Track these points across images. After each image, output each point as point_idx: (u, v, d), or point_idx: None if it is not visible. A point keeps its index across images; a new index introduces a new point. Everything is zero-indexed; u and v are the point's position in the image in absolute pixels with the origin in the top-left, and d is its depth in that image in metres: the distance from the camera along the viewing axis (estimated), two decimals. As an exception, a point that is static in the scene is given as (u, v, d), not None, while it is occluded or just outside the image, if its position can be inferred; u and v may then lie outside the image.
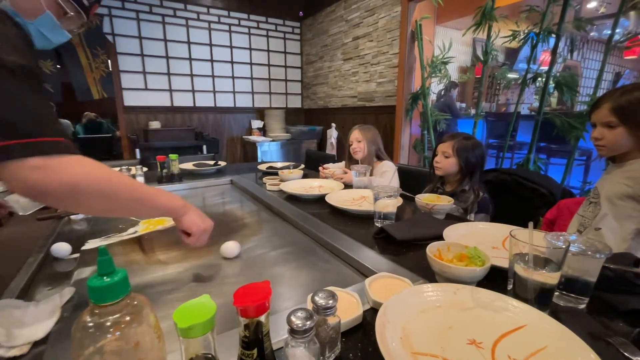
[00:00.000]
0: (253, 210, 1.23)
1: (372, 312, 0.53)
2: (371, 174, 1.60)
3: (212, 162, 1.97)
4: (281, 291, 0.66)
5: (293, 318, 0.35)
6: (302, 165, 1.88)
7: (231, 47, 3.79)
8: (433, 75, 2.71)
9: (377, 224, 0.96)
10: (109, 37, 3.16)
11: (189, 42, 3.54)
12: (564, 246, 0.50)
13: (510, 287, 0.55)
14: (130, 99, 3.35)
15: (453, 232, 0.82)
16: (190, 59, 3.57)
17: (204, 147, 3.43)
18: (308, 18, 4.03)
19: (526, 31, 2.17)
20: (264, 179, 1.59)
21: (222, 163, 1.93)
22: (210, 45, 3.66)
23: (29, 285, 0.67)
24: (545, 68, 2.17)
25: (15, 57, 0.48)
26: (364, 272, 0.71)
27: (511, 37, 2.24)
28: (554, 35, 2.07)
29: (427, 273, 0.66)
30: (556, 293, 0.56)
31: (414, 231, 0.85)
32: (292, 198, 1.28)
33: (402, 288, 0.56)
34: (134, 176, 1.53)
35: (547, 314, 0.48)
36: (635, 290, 0.57)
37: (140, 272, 0.74)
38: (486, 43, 2.39)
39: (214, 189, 1.55)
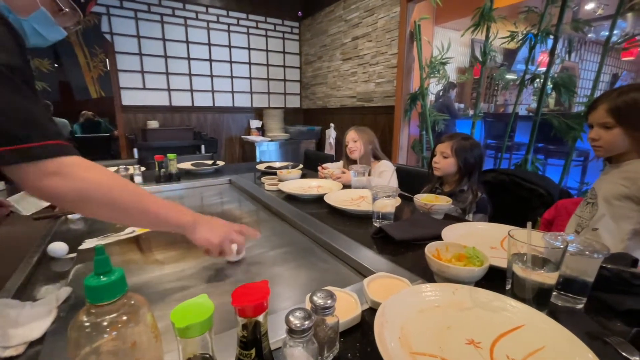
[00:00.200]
0: (251, 210, 1.23)
1: (370, 312, 0.53)
2: (369, 174, 1.60)
3: (210, 162, 1.96)
4: (279, 291, 0.66)
5: (291, 318, 0.35)
6: (301, 165, 1.88)
7: (230, 46, 3.78)
8: (432, 75, 2.72)
9: (375, 224, 0.96)
10: (107, 36, 3.15)
11: (187, 42, 3.53)
12: (562, 246, 0.50)
13: (508, 287, 0.55)
14: (129, 98, 3.34)
15: (451, 232, 0.82)
16: (188, 58, 3.56)
17: (203, 146, 3.42)
18: (307, 18, 4.03)
19: (524, 32, 2.18)
20: (262, 178, 1.59)
21: (221, 163, 1.92)
22: (209, 44, 3.66)
23: (26, 285, 0.66)
24: (543, 69, 2.18)
25: (8, 58, 0.47)
26: (363, 272, 0.71)
27: (509, 38, 2.24)
28: (552, 37, 2.07)
29: (425, 273, 0.66)
30: (554, 293, 0.56)
31: (413, 231, 0.85)
32: (291, 198, 1.27)
33: (401, 288, 0.56)
34: (132, 176, 1.53)
35: (545, 313, 0.48)
36: (632, 290, 0.57)
37: (137, 272, 0.74)
38: (484, 44, 2.39)
39: (212, 189, 1.55)
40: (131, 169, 1.55)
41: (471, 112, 3.34)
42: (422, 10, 2.73)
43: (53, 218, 1.03)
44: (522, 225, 0.57)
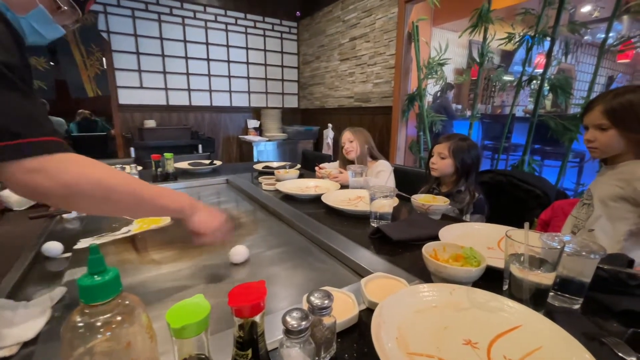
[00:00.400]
0: (249, 210, 1.22)
1: (367, 313, 0.53)
2: (366, 174, 1.60)
3: (207, 162, 1.95)
4: (276, 291, 0.66)
5: (288, 318, 0.35)
6: (299, 165, 1.87)
7: (228, 46, 3.77)
8: (429, 76, 2.73)
9: (373, 224, 0.96)
10: (104, 35, 3.13)
11: (185, 41, 3.52)
12: (559, 247, 0.50)
13: (505, 287, 0.55)
14: (126, 97, 3.32)
15: (449, 233, 0.82)
16: (186, 57, 3.55)
17: (200, 146, 3.41)
18: (305, 18, 4.03)
19: (521, 34, 2.19)
20: (259, 178, 1.58)
21: (218, 162, 1.92)
22: (207, 44, 3.65)
23: (20, 284, 0.65)
24: (540, 71, 2.19)
25: (4, 55, 0.46)
26: (360, 272, 0.70)
27: (507, 40, 2.25)
28: (548, 39, 2.08)
29: (423, 273, 0.65)
30: (551, 293, 0.56)
31: (410, 231, 0.85)
32: (288, 198, 1.27)
33: (398, 288, 0.56)
34: (128, 175, 1.51)
35: (542, 314, 0.48)
36: (628, 290, 0.57)
37: (133, 272, 0.73)
38: (482, 45, 2.40)
39: (209, 189, 1.54)
40: (128, 169, 1.54)
41: (468, 113, 3.35)
42: (420, 11, 2.74)
43: (48, 217, 1.02)
44: (519, 225, 0.57)
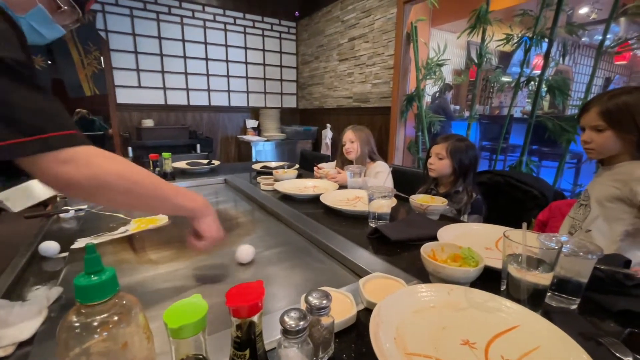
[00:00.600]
0: (247, 210, 1.22)
1: (366, 313, 0.53)
2: (365, 175, 1.60)
3: (205, 161, 1.95)
4: (274, 291, 0.66)
5: (286, 318, 0.34)
6: (297, 165, 1.87)
7: (226, 45, 3.77)
8: (428, 77, 2.73)
9: (371, 224, 0.96)
10: (102, 34, 3.12)
11: (183, 40, 3.51)
12: (556, 247, 0.50)
13: (503, 287, 0.56)
14: (123, 97, 3.31)
15: (447, 233, 0.82)
16: (184, 57, 3.54)
17: (198, 146, 3.40)
18: (304, 18, 4.03)
19: (520, 35, 2.20)
20: (258, 178, 1.58)
21: (216, 162, 1.91)
22: (205, 43, 3.64)
23: (16, 284, 0.65)
24: (538, 72, 2.20)
25: (12, 52, 0.47)
26: (358, 273, 0.70)
27: (505, 41, 2.26)
28: (546, 40, 2.09)
29: (421, 273, 0.66)
30: (548, 294, 0.56)
31: (408, 232, 0.85)
32: (287, 198, 1.27)
33: (396, 288, 0.56)
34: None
35: (539, 314, 0.48)
36: (625, 291, 0.58)
37: (130, 272, 0.73)
38: (480, 46, 2.41)
39: (207, 188, 1.54)
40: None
41: (467, 113, 3.36)
42: (418, 11, 2.75)
43: (45, 217, 1.02)
44: (517, 226, 0.57)
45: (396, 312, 0.48)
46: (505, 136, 2.59)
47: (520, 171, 2.23)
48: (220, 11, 3.68)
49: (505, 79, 4.00)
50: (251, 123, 3.95)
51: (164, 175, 1.55)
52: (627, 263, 0.62)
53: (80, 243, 0.81)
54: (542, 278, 0.51)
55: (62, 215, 1.03)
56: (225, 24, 3.72)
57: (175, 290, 0.65)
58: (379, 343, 0.41)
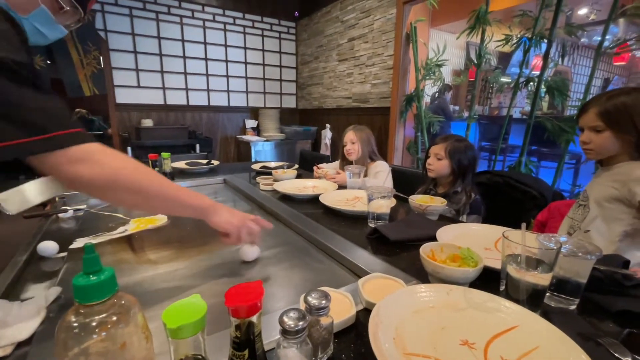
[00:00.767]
0: (246, 210, 1.22)
1: (365, 313, 0.53)
2: (365, 175, 1.60)
3: (205, 161, 1.95)
4: (274, 291, 0.66)
5: (285, 318, 0.34)
6: (296, 166, 1.87)
7: (226, 45, 3.77)
8: (427, 77, 2.73)
9: (370, 225, 0.96)
10: (102, 33, 3.12)
11: (183, 40, 3.51)
12: (555, 247, 0.50)
13: (502, 288, 0.56)
14: (123, 97, 3.31)
15: (446, 233, 0.83)
16: (184, 57, 3.54)
17: (197, 146, 3.40)
18: (304, 18, 4.03)
19: (519, 36, 2.20)
20: (257, 178, 1.58)
21: (215, 162, 1.91)
22: (205, 43, 3.64)
23: (14, 284, 0.65)
24: (537, 72, 2.20)
25: (13, 53, 0.47)
26: (357, 273, 0.70)
27: (504, 42, 2.26)
28: (545, 41, 2.10)
29: (420, 273, 0.66)
30: (547, 294, 0.56)
31: (408, 232, 0.85)
32: (286, 198, 1.27)
33: (396, 288, 0.56)
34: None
35: (538, 314, 0.48)
36: (624, 291, 0.58)
37: (129, 272, 0.73)
38: (480, 47, 2.41)
39: (206, 188, 1.54)
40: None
41: (466, 114, 3.37)
42: (418, 12, 2.75)
43: (44, 217, 1.01)
44: (516, 226, 0.57)
45: (395, 313, 0.48)
46: (504, 137, 2.60)
47: (520, 172, 2.23)
48: (220, 11, 3.68)
49: (504, 79, 4.01)
50: (250, 123, 3.95)
51: (163, 175, 1.54)
52: (626, 263, 0.62)
53: (79, 243, 0.81)
54: (541, 278, 0.51)
55: (60, 215, 1.03)
56: (224, 24, 3.72)
57: (174, 290, 0.65)
58: (378, 343, 0.41)
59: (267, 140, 3.66)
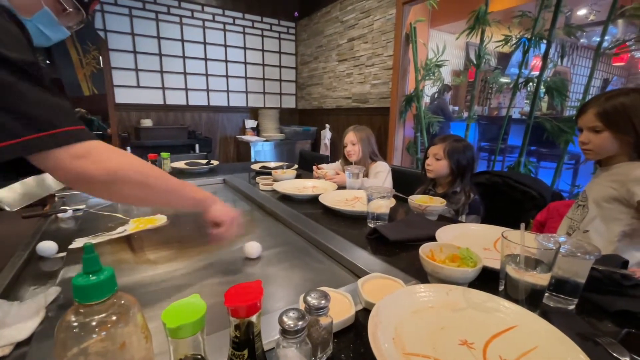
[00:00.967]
0: (246, 210, 1.22)
1: (364, 313, 0.53)
2: (366, 175, 1.60)
3: (204, 161, 1.95)
4: (273, 291, 0.66)
5: (285, 318, 0.34)
6: (296, 166, 1.87)
7: (225, 45, 3.77)
8: (427, 78, 2.74)
9: (370, 225, 0.96)
10: (101, 33, 3.11)
11: (182, 40, 3.51)
12: (554, 248, 0.51)
13: (501, 288, 0.56)
14: (122, 96, 3.30)
15: (445, 233, 0.83)
16: (183, 57, 3.54)
17: (197, 146, 3.40)
18: (303, 18, 4.03)
19: (518, 36, 2.20)
20: (257, 178, 1.58)
21: (215, 162, 1.91)
22: (205, 43, 3.64)
23: (13, 284, 0.65)
24: (536, 73, 2.21)
25: (23, 54, 0.48)
26: (357, 273, 0.70)
27: (503, 42, 2.27)
28: (545, 41, 2.10)
29: (419, 274, 0.66)
30: (546, 294, 0.56)
31: (407, 232, 0.85)
32: (285, 198, 1.27)
33: (395, 288, 0.56)
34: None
35: (537, 314, 0.49)
36: (623, 291, 0.58)
37: (129, 272, 0.72)
38: (479, 47, 2.42)
39: (206, 188, 1.52)
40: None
41: (465, 114, 3.37)
42: (417, 12, 2.75)
43: (43, 216, 1.01)
44: (515, 226, 0.58)
45: (395, 312, 0.48)
46: (503, 137, 2.60)
47: (519, 172, 2.24)
48: (220, 11, 3.68)
49: (503, 80, 4.01)
50: (250, 123, 3.95)
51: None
52: (625, 263, 0.62)
53: (78, 243, 0.81)
54: (540, 278, 0.51)
55: (60, 215, 1.03)
56: (224, 24, 3.72)
57: (173, 290, 0.65)
58: (377, 343, 0.41)
59: (266, 141, 3.66)
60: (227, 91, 3.87)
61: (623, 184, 0.86)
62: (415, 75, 2.75)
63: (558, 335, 0.43)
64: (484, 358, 0.42)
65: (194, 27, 3.55)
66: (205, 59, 3.67)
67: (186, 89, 3.62)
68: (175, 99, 3.58)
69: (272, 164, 1.92)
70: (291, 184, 1.43)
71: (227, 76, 3.83)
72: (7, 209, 0.83)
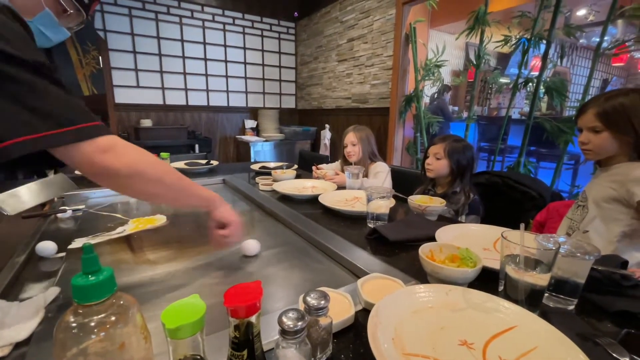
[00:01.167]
0: (245, 210, 1.22)
1: (364, 313, 0.53)
2: (365, 175, 1.60)
3: (204, 162, 1.95)
4: (273, 291, 0.66)
5: (284, 319, 0.34)
6: (296, 166, 1.87)
7: (225, 46, 3.77)
8: (426, 78, 2.74)
9: (369, 225, 0.96)
10: (101, 33, 3.11)
11: (182, 40, 3.51)
12: (554, 248, 0.51)
13: (501, 288, 0.56)
14: (122, 97, 3.30)
15: (445, 234, 0.83)
16: (183, 57, 3.54)
17: (197, 146, 3.40)
18: (303, 19, 4.04)
19: (518, 37, 2.21)
20: (256, 178, 1.58)
21: (215, 162, 1.91)
22: (204, 43, 3.63)
23: (13, 284, 0.65)
24: (535, 73, 2.21)
25: (34, 54, 0.48)
26: (357, 273, 0.70)
27: (503, 42, 2.27)
28: (544, 41, 2.10)
29: (419, 274, 0.66)
30: (546, 294, 0.56)
31: (407, 232, 0.85)
32: (285, 198, 1.27)
33: (395, 289, 0.56)
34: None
35: (537, 315, 0.49)
36: (622, 291, 0.58)
37: (128, 272, 0.72)
38: (479, 47, 2.42)
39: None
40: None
41: (465, 114, 3.38)
42: (417, 13, 2.75)
43: (42, 217, 1.01)
44: (515, 227, 0.57)
45: (394, 313, 0.48)
46: (503, 137, 2.61)
47: (518, 172, 2.24)
48: (220, 11, 3.68)
49: (503, 80, 4.02)
50: (250, 123, 3.95)
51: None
52: (624, 264, 0.62)
53: (77, 243, 0.81)
54: (540, 279, 0.51)
55: (59, 215, 1.03)
56: (224, 24, 3.72)
57: (173, 291, 0.65)
58: (377, 343, 0.41)
59: (266, 141, 3.66)
60: (227, 91, 3.87)
61: (623, 184, 0.86)
62: (415, 75, 2.75)
63: (558, 336, 0.43)
64: (484, 358, 0.42)
65: (194, 27, 3.55)
66: (205, 59, 3.67)
67: (186, 89, 3.62)
68: (175, 99, 3.58)
69: (272, 164, 1.92)
70: (291, 184, 1.43)
71: (226, 76, 3.83)
72: (6, 213, 0.83)
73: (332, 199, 1.18)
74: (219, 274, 0.73)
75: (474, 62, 2.48)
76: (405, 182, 1.67)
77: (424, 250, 0.65)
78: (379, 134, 3.05)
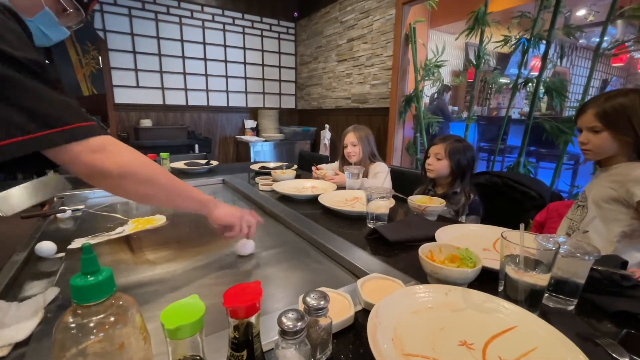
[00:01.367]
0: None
1: (363, 313, 0.53)
2: (365, 175, 1.60)
3: (204, 162, 1.95)
4: (272, 292, 0.66)
5: (284, 319, 0.34)
6: (295, 166, 1.87)
7: (225, 46, 3.77)
8: (426, 78, 2.74)
9: (369, 225, 0.96)
10: (100, 33, 3.11)
11: (182, 40, 3.51)
12: (554, 248, 0.50)
13: (501, 288, 0.56)
14: (121, 97, 3.30)
15: (445, 234, 0.83)
16: (183, 57, 3.54)
17: (196, 146, 3.40)
18: (303, 19, 4.04)
19: (517, 37, 2.21)
20: (256, 179, 1.58)
21: (214, 162, 1.91)
22: (204, 43, 3.63)
23: (12, 285, 0.65)
24: (535, 73, 2.21)
25: (28, 53, 0.48)
26: (356, 273, 0.70)
27: (503, 43, 2.27)
28: (544, 42, 2.10)
29: (419, 274, 0.66)
30: (545, 295, 0.56)
31: (407, 232, 0.85)
32: (285, 198, 1.27)
33: (394, 289, 0.56)
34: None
35: (537, 315, 0.49)
36: (622, 292, 0.58)
37: (127, 272, 0.72)
38: (478, 48, 2.42)
39: (205, 189, 1.53)
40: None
41: (465, 115, 3.38)
42: (417, 13, 2.76)
43: (41, 217, 1.01)
44: (515, 227, 0.57)
45: (394, 313, 0.48)
46: (503, 137, 2.61)
47: (518, 172, 2.24)
48: (219, 11, 3.68)
49: (503, 80, 4.02)
50: (250, 123, 3.95)
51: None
52: (624, 264, 0.62)
53: (77, 243, 0.81)
54: (540, 279, 0.51)
55: (59, 215, 1.03)
56: (224, 24, 3.72)
57: (172, 291, 0.65)
58: (376, 344, 0.41)
59: (266, 141, 3.66)
60: (227, 91, 3.87)
61: (622, 185, 0.86)
62: (415, 75, 2.75)
63: (557, 336, 0.43)
64: (484, 358, 0.42)
65: (194, 27, 3.55)
66: (205, 59, 3.66)
67: (186, 89, 3.62)
68: (175, 99, 3.58)
69: (272, 164, 1.92)
70: (290, 184, 1.43)
71: (226, 76, 3.83)
72: (2, 214, 0.83)
73: (332, 199, 1.18)
74: (218, 274, 0.73)
75: (474, 62, 2.48)
76: (405, 182, 1.67)
77: (424, 250, 0.65)
78: (379, 134, 3.05)
